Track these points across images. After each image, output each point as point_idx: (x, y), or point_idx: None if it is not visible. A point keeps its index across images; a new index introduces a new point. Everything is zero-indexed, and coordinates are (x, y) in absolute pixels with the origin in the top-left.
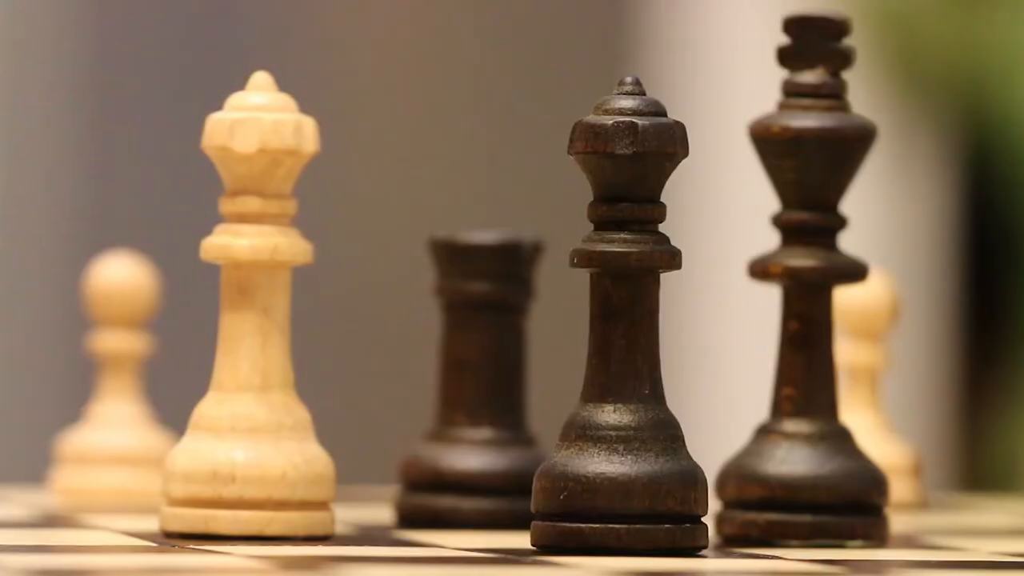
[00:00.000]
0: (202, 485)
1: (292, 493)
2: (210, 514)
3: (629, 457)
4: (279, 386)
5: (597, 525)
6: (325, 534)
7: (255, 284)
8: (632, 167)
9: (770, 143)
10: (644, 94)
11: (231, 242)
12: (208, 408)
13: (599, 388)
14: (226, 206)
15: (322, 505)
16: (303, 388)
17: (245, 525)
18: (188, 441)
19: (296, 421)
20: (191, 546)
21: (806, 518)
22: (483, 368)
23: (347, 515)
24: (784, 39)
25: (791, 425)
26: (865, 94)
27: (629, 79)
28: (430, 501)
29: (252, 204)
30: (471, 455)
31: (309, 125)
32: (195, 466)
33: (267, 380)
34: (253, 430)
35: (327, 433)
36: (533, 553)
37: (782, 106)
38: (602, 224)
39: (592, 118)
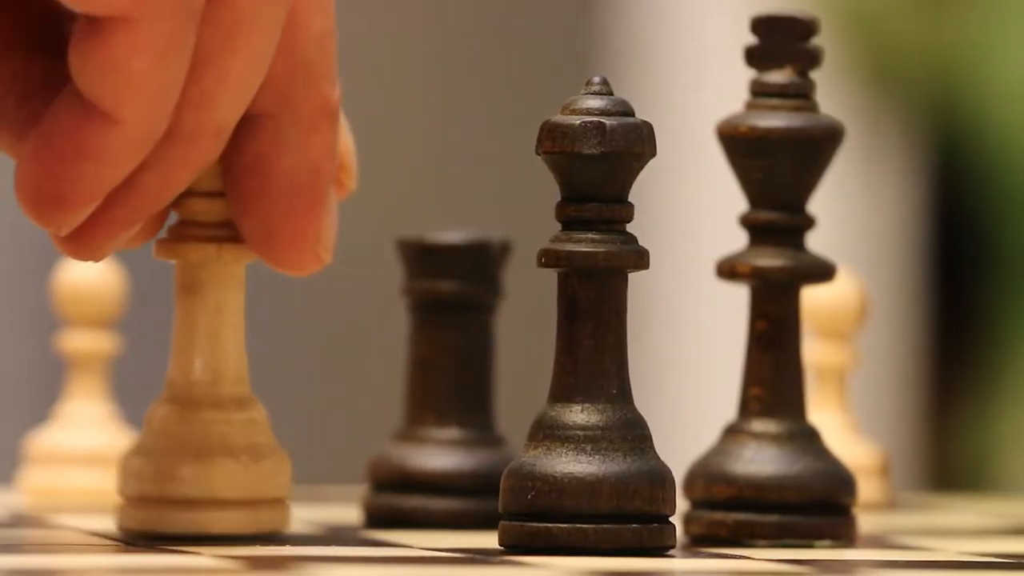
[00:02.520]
0: (150, 484)
1: (239, 492)
2: (155, 514)
3: (597, 457)
4: (231, 384)
5: (564, 525)
6: (275, 531)
7: (204, 282)
8: (600, 167)
9: (737, 143)
10: (612, 94)
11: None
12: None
13: (567, 388)
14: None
15: (274, 503)
16: (272, 388)
17: (190, 524)
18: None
19: (248, 419)
20: (159, 546)
21: (774, 518)
22: (451, 368)
23: (315, 515)
24: (752, 39)
25: (759, 425)
26: (833, 94)
27: (596, 79)
28: (398, 501)
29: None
30: (439, 455)
31: None
32: (144, 464)
33: (218, 379)
34: None
35: (295, 433)
36: (501, 553)
37: (749, 106)
38: (570, 224)
39: (559, 118)
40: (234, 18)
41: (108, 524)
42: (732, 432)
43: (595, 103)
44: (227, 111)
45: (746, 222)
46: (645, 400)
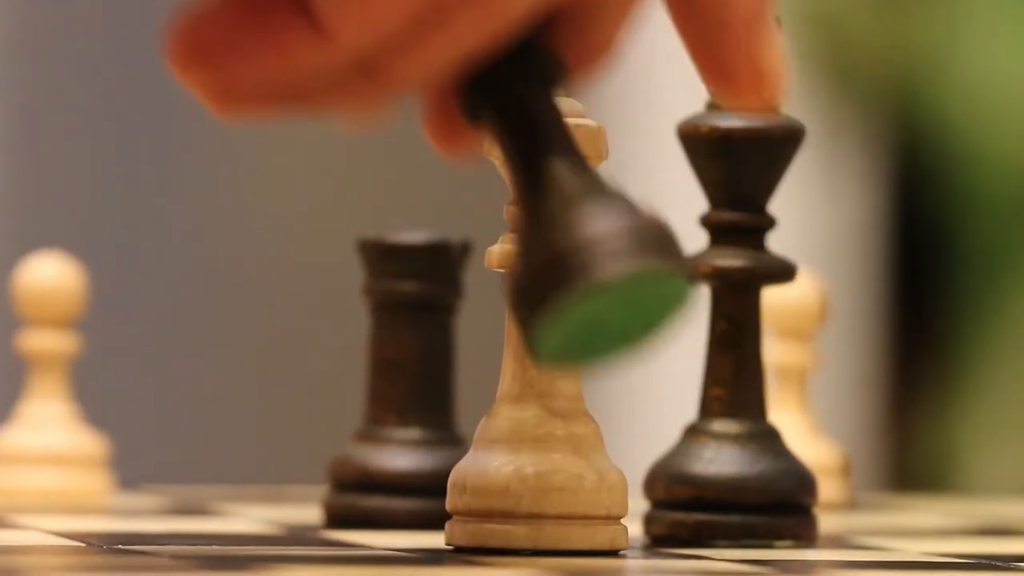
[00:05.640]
0: (488, 498)
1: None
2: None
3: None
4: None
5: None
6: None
7: None
8: None
9: (699, 143)
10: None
11: None
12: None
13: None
14: None
15: (607, 519)
16: (233, 388)
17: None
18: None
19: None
20: (118, 546)
21: (735, 518)
22: (412, 368)
23: (275, 515)
24: None
25: (719, 425)
26: (794, 94)
27: None
28: (359, 501)
29: None
30: (400, 455)
31: None
32: (480, 480)
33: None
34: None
35: (256, 433)
36: (456, 552)
37: (711, 106)
38: None
39: None
40: None
41: (70, 524)
42: (693, 432)
43: None
44: None
45: (707, 222)
46: (607, 401)
